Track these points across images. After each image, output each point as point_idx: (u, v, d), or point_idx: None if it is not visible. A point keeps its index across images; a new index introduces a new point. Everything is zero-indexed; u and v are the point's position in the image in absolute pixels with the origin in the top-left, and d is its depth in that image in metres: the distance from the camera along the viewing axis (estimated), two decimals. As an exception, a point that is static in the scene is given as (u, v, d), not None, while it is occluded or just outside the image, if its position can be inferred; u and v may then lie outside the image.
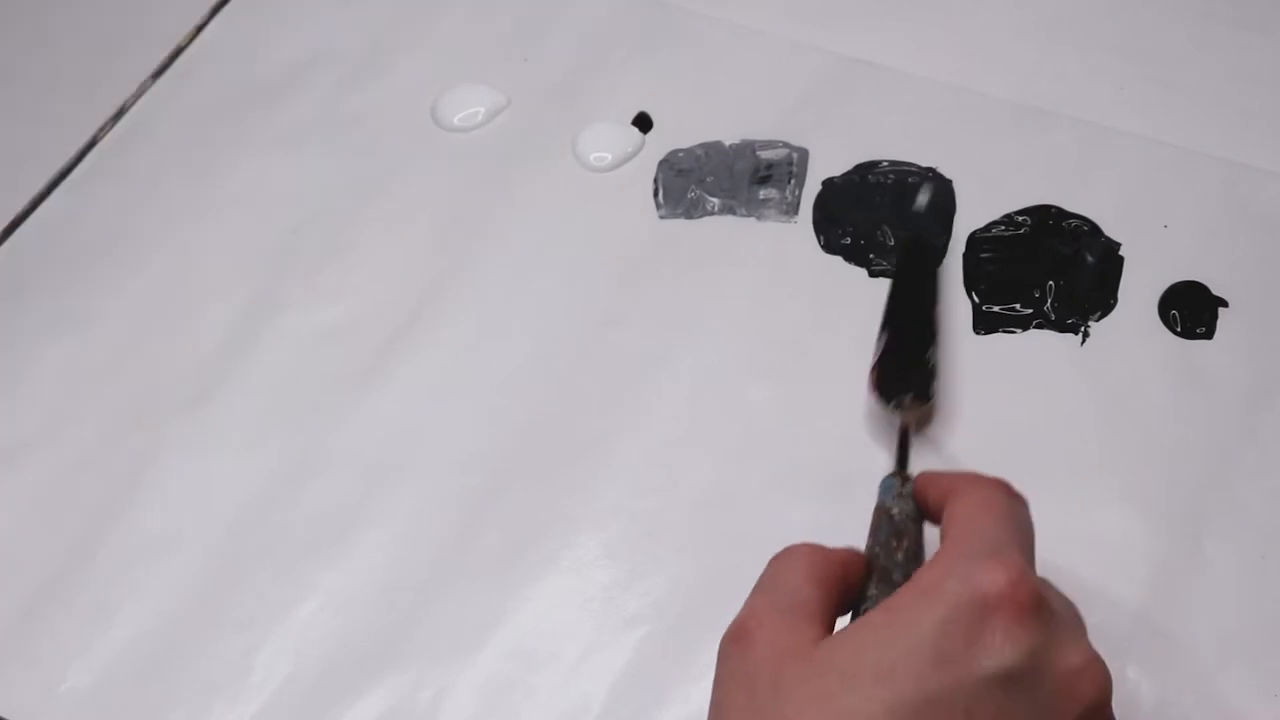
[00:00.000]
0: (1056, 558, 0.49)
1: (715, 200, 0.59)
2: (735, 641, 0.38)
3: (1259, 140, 0.59)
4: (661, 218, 0.59)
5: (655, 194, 0.59)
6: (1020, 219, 0.57)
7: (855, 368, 0.52)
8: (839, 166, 0.59)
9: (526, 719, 0.48)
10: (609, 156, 0.60)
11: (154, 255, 0.59)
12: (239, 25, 0.67)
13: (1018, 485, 0.50)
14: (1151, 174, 0.58)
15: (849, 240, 0.57)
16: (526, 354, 0.55)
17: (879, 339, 0.52)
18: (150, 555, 0.51)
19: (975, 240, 0.57)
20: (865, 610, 0.39)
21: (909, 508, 0.42)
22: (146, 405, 0.55)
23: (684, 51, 0.64)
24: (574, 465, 0.52)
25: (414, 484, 0.52)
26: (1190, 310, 0.54)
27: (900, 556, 0.41)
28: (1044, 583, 0.38)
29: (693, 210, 0.59)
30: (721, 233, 0.58)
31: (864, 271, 0.56)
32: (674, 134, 0.61)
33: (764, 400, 0.53)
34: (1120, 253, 0.56)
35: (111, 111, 0.64)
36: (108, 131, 0.63)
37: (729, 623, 0.38)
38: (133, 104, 0.64)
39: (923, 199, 0.56)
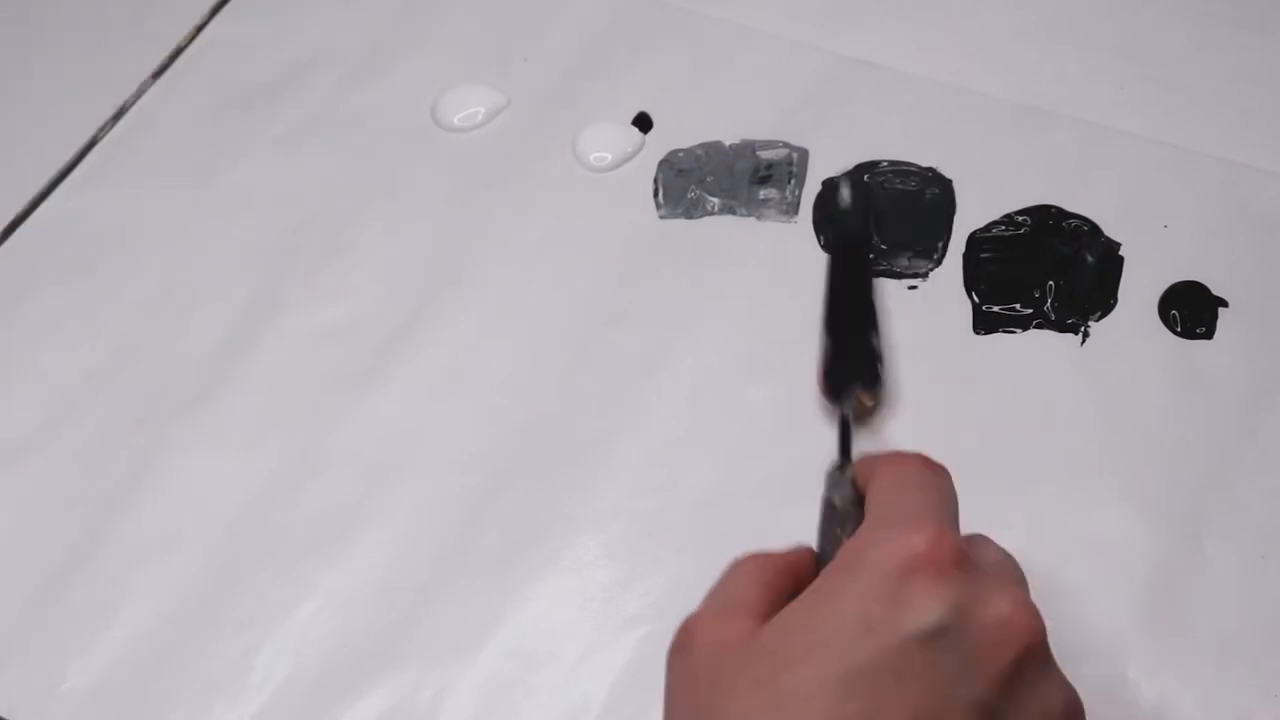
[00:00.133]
0: (1057, 558, 0.49)
1: (715, 200, 0.59)
2: (678, 646, 0.38)
3: (1259, 140, 0.59)
4: (661, 218, 0.59)
5: (655, 194, 0.59)
6: (1020, 219, 0.57)
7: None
8: (839, 166, 0.59)
9: (526, 719, 0.48)
10: (609, 156, 0.60)
11: (154, 255, 0.59)
12: (239, 25, 0.67)
13: (1018, 485, 0.51)
14: (1151, 174, 0.58)
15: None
16: (526, 354, 0.55)
17: (821, 342, 0.53)
18: (150, 555, 0.51)
19: (975, 240, 0.57)
20: None
21: (850, 494, 0.42)
22: (146, 405, 0.55)
23: (684, 51, 0.64)
24: (574, 465, 0.52)
25: (414, 484, 0.52)
26: (1190, 310, 0.54)
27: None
28: (979, 540, 0.39)
29: (693, 210, 0.59)
30: (721, 233, 0.58)
31: (864, 271, 0.56)
32: (674, 134, 0.61)
33: (764, 400, 0.53)
34: (1120, 253, 0.56)
35: (111, 111, 0.64)
36: (108, 131, 0.63)
37: None
38: (133, 104, 0.64)
39: (844, 194, 0.56)
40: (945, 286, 0.56)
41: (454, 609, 0.50)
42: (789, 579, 0.39)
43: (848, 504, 0.42)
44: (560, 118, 0.62)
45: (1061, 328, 0.54)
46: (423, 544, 0.51)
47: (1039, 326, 0.55)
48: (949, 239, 0.57)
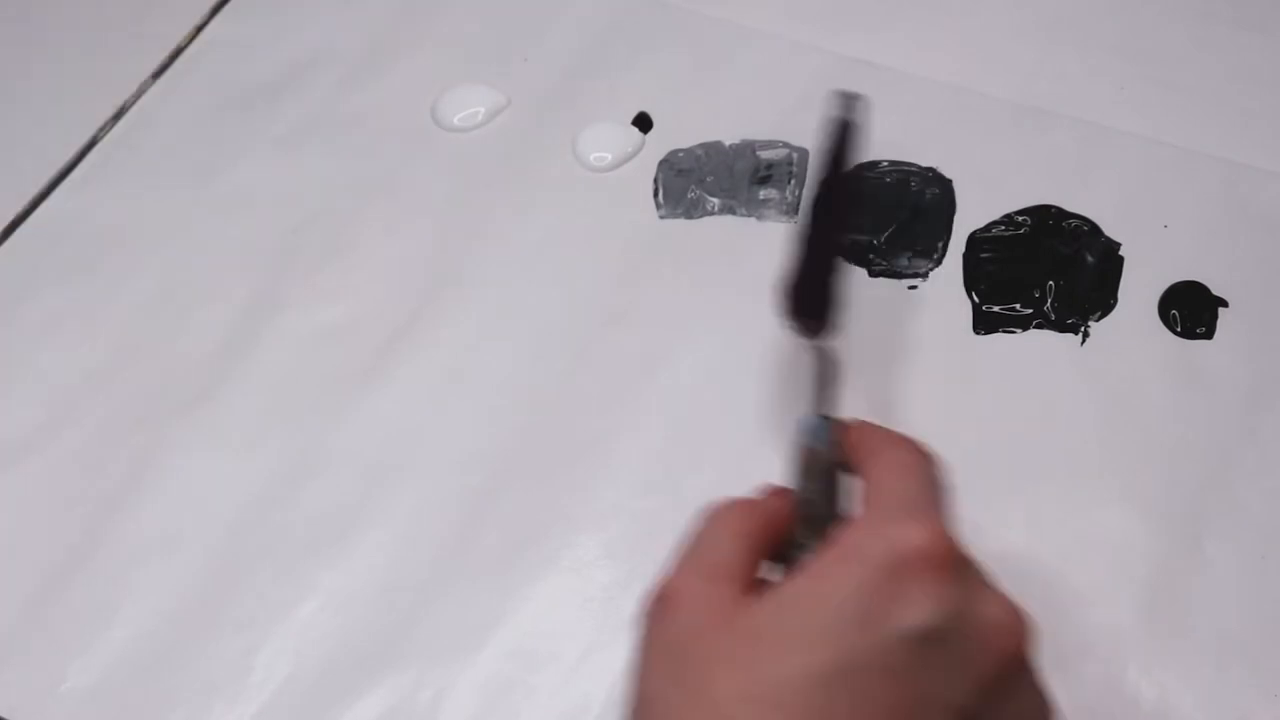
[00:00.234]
0: (1057, 558, 0.49)
1: (715, 200, 0.59)
2: (656, 609, 0.37)
3: (1259, 140, 0.59)
4: (661, 218, 0.59)
5: (655, 194, 0.59)
6: (1020, 219, 0.57)
7: (855, 368, 0.52)
8: (839, 166, 0.59)
9: (526, 719, 0.48)
10: (609, 156, 0.60)
11: (154, 255, 0.59)
12: (239, 25, 0.67)
13: (1018, 485, 0.51)
14: (1151, 174, 0.58)
15: (849, 240, 0.57)
16: (526, 354, 0.55)
17: (798, 255, 0.46)
18: (150, 555, 0.51)
19: (975, 240, 0.57)
20: (794, 557, 0.39)
21: (835, 452, 0.41)
22: (146, 405, 0.55)
23: (684, 51, 0.64)
24: (574, 465, 0.52)
25: (414, 484, 0.52)
26: (1190, 310, 0.54)
27: (828, 500, 0.41)
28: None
29: (693, 210, 0.59)
30: (721, 233, 0.58)
31: (864, 271, 0.56)
32: (674, 134, 0.61)
33: (764, 400, 0.53)
34: (1120, 253, 0.56)
35: (111, 111, 0.64)
36: (108, 131, 0.63)
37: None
38: (133, 104, 0.64)
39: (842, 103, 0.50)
40: (945, 286, 0.56)
41: (454, 609, 0.50)
42: (769, 532, 0.39)
43: (833, 462, 0.41)
44: (560, 118, 0.62)
45: (1061, 328, 0.54)
46: (423, 544, 0.51)
47: (1039, 326, 0.55)
48: (949, 239, 0.57)
